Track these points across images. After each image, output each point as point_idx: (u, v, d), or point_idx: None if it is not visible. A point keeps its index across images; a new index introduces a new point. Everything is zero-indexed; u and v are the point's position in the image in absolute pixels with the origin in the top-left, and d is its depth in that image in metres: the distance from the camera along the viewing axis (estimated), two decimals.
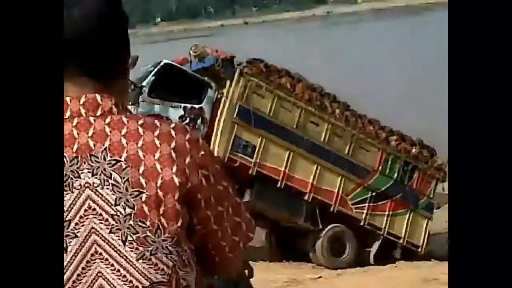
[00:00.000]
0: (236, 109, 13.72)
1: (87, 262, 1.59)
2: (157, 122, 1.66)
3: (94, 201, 1.60)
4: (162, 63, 13.78)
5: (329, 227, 14.30)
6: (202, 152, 1.69)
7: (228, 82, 13.88)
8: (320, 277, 11.62)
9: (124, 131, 1.63)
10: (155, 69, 13.60)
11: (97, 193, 1.60)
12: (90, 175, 1.60)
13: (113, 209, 1.60)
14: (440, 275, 10.29)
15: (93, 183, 1.60)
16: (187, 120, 13.50)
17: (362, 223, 14.49)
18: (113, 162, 1.61)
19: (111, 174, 1.60)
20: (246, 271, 5.73)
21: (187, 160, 1.65)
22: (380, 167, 14.88)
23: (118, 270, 1.59)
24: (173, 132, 1.65)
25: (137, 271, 1.60)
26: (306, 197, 14.10)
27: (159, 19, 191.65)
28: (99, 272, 1.59)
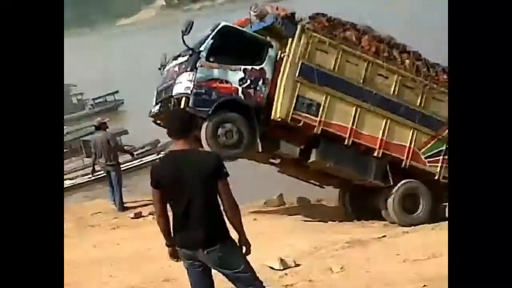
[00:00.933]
0: (299, 68, 13.32)
1: None
2: None
3: None
4: (220, 26, 13.49)
5: (401, 183, 13.82)
6: None
7: (289, 40, 13.47)
8: (384, 236, 11.16)
9: None
10: (213, 32, 13.33)
11: None
12: None
13: None
14: None
15: None
16: (248, 82, 13.26)
17: (436, 177, 13.90)
18: None
19: None
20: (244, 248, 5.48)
21: None
22: None
23: None
24: None
25: None
26: (375, 154, 13.64)
27: None
28: None
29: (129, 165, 28.26)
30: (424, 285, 8.04)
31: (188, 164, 5.28)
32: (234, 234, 5.44)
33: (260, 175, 15.99)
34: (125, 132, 29.19)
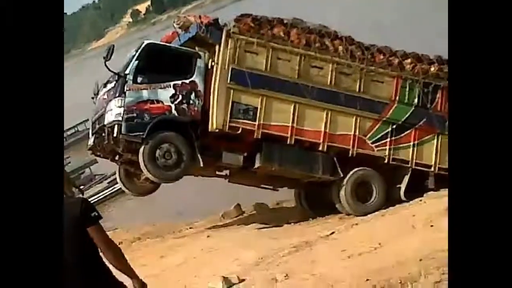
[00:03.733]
0: (229, 73, 13.05)
1: None
2: None
3: None
4: (143, 44, 13.23)
5: (350, 173, 13.57)
6: None
7: (217, 47, 13.20)
8: (333, 232, 10.94)
9: None
10: (137, 52, 13.04)
11: None
12: None
13: None
14: None
15: None
16: (180, 98, 12.97)
17: (386, 160, 13.67)
18: None
19: None
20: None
21: None
22: (397, 96, 13.88)
23: None
24: None
25: None
26: (320, 148, 13.39)
27: None
28: None
29: (102, 194, 27.96)
30: (367, 279, 7.84)
31: None
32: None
33: (213, 188, 15.61)
34: (95, 162, 28.76)
